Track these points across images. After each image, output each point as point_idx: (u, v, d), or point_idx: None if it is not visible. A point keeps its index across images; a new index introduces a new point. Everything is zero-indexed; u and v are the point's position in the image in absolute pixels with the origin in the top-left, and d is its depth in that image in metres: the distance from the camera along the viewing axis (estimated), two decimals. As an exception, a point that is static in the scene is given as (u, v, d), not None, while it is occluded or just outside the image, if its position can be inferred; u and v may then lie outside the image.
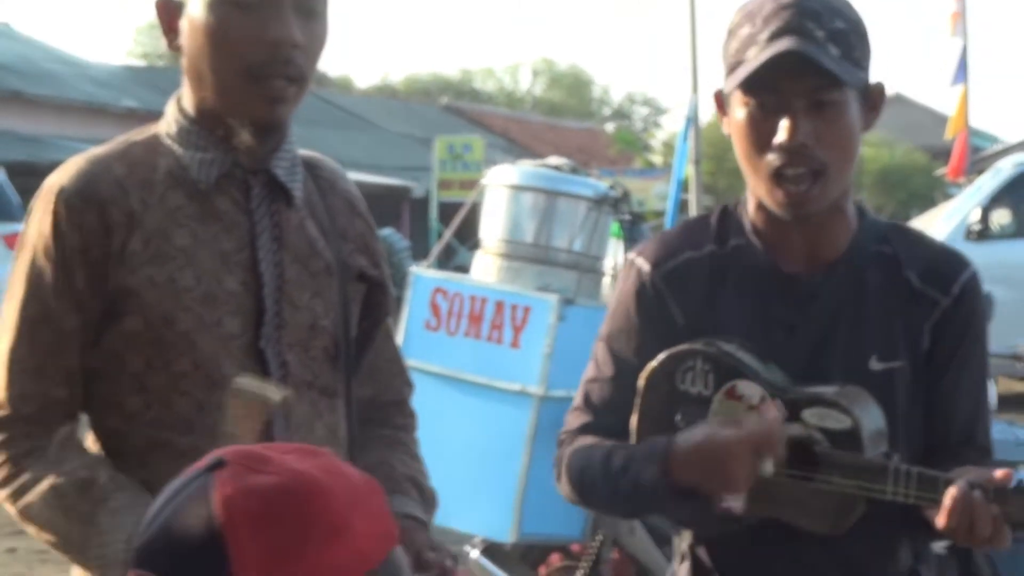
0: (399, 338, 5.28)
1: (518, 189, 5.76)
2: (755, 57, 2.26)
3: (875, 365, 2.36)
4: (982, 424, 2.49)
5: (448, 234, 6.87)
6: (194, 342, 2.25)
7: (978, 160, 17.18)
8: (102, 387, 2.30)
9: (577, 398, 2.57)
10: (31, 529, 2.26)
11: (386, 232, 20.90)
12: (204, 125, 2.31)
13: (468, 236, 6.22)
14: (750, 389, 2.29)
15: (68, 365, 2.27)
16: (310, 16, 2.27)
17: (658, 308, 2.45)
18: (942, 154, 18.49)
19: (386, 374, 2.55)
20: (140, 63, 38.10)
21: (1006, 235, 12.71)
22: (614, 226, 5.85)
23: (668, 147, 28.57)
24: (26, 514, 2.24)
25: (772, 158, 2.29)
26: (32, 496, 2.22)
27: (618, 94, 64.53)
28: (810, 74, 2.25)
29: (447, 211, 20.82)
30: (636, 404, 2.40)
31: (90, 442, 2.35)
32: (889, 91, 2.45)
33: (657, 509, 2.52)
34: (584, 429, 2.51)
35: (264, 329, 2.29)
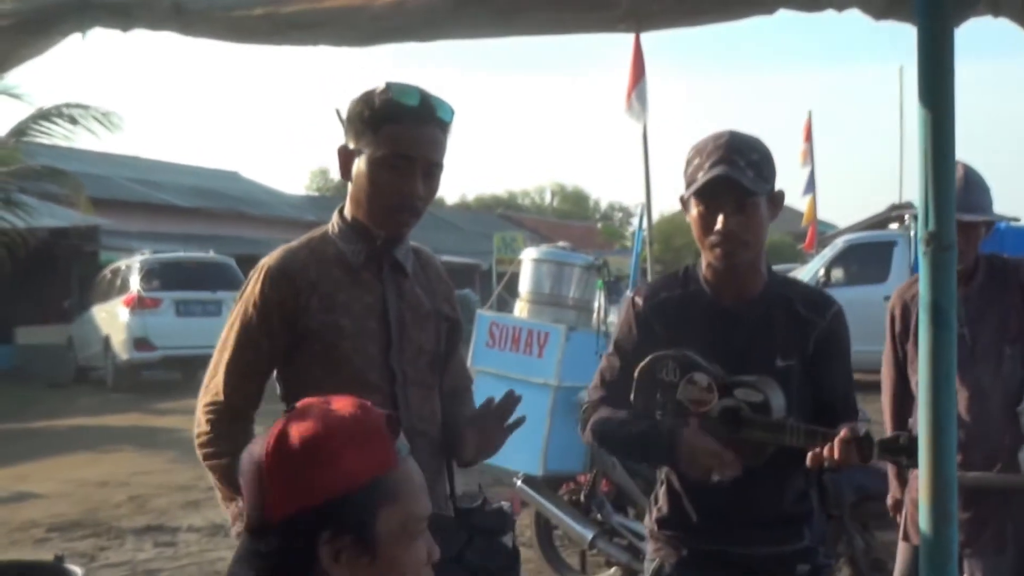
0: (470, 352, 5.36)
1: (539, 261, 5.74)
2: (701, 178, 2.26)
3: (779, 363, 2.31)
4: (851, 397, 2.45)
5: (498, 290, 6.87)
6: (351, 360, 2.23)
7: (822, 239, 17.04)
8: (296, 388, 2.24)
9: (595, 379, 2.49)
10: (210, 476, 2.28)
11: (465, 291, 20.90)
12: (355, 228, 2.30)
13: (514, 291, 6.23)
14: (701, 378, 2.26)
15: (260, 372, 2.27)
16: (431, 178, 2.25)
17: (647, 326, 2.41)
18: (801, 236, 18.31)
19: (458, 374, 2.52)
20: (314, 193, 38.36)
21: (839, 284, 12.72)
22: (598, 283, 5.77)
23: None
24: (211, 468, 2.26)
25: (713, 239, 2.29)
26: (217, 461, 2.24)
27: (604, 203, 64.10)
28: (735, 188, 2.25)
29: (502, 278, 20.69)
30: (633, 385, 2.35)
31: None
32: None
33: (647, 462, 2.46)
34: (601, 401, 2.45)
35: (391, 352, 2.26)
